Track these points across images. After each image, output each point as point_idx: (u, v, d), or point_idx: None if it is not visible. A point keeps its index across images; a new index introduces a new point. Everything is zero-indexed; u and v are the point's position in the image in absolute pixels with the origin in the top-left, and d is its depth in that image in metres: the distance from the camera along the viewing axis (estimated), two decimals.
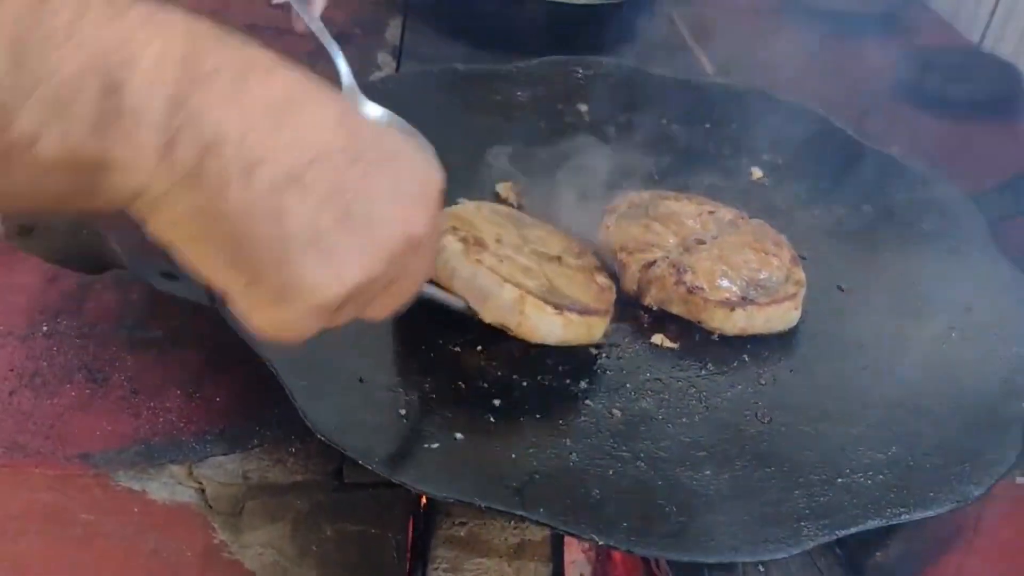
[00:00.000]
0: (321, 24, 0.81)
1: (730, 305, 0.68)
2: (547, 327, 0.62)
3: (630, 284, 0.72)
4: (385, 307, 0.45)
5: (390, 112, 0.81)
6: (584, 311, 0.63)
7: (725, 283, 0.69)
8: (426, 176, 0.43)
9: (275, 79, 0.37)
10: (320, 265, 0.38)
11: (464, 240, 0.64)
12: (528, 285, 0.63)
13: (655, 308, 0.71)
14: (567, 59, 0.93)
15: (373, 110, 0.81)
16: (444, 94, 0.90)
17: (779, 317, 0.69)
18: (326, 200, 0.38)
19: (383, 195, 0.40)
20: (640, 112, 0.91)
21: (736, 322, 0.68)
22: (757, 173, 0.86)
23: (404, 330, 0.65)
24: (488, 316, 0.62)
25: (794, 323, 0.70)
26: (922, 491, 0.54)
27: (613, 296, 0.68)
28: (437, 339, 0.65)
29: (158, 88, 0.34)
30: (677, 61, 1.09)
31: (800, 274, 0.71)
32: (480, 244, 0.65)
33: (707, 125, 0.89)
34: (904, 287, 0.73)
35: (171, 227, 0.37)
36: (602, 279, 0.69)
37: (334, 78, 0.81)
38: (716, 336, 0.69)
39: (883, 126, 0.98)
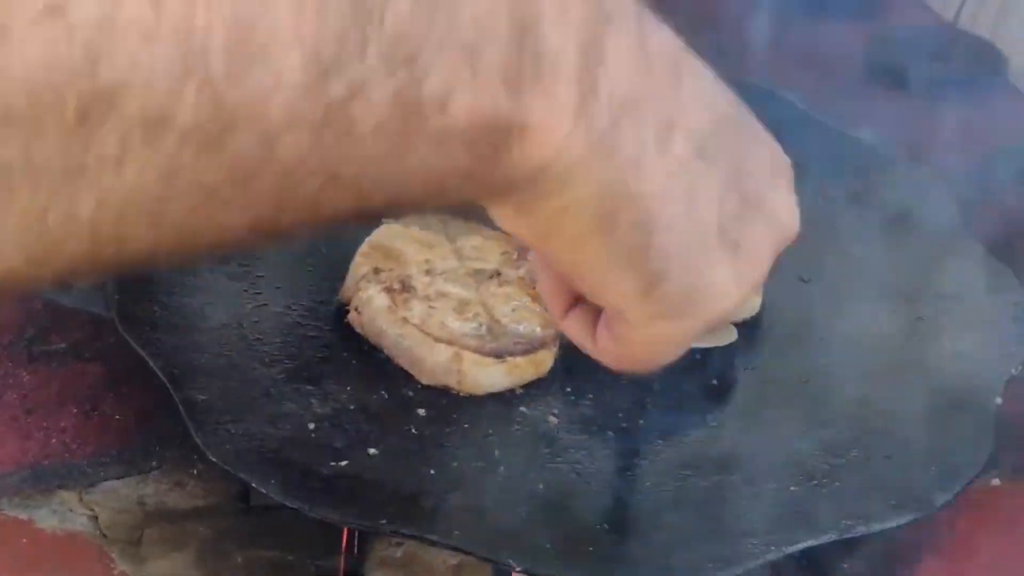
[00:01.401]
0: None
1: None
2: (490, 378, 0.57)
3: None
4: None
5: None
6: (529, 348, 0.58)
7: None
8: (784, 159, 0.36)
9: (662, 29, 0.30)
10: (727, 264, 0.32)
11: (389, 289, 0.59)
12: (463, 334, 0.58)
13: None
14: None
15: None
16: None
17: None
18: (727, 180, 0.31)
19: (765, 177, 0.34)
20: None
21: None
22: None
23: (325, 334, 0.61)
24: (425, 379, 0.57)
25: (756, 310, 0.64)
26: (883, 499, 0.49)
27: None
28: (362, 344, 0.60)
29: (570, 28, 0.26)
30: None
31: None
32: (406, 287, 0.60)
33: None
34: (871, 276, 0.68)
35: (562, 215, 0.29)
36: None
37: None
38: None
39: (855, 109, 0.93)
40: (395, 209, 0.29)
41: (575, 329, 0.36)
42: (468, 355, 0.57)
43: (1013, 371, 0.58)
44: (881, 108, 0.94)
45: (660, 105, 0.29)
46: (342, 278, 0.63)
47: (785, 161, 0.36)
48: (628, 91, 0.28)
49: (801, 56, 1.03)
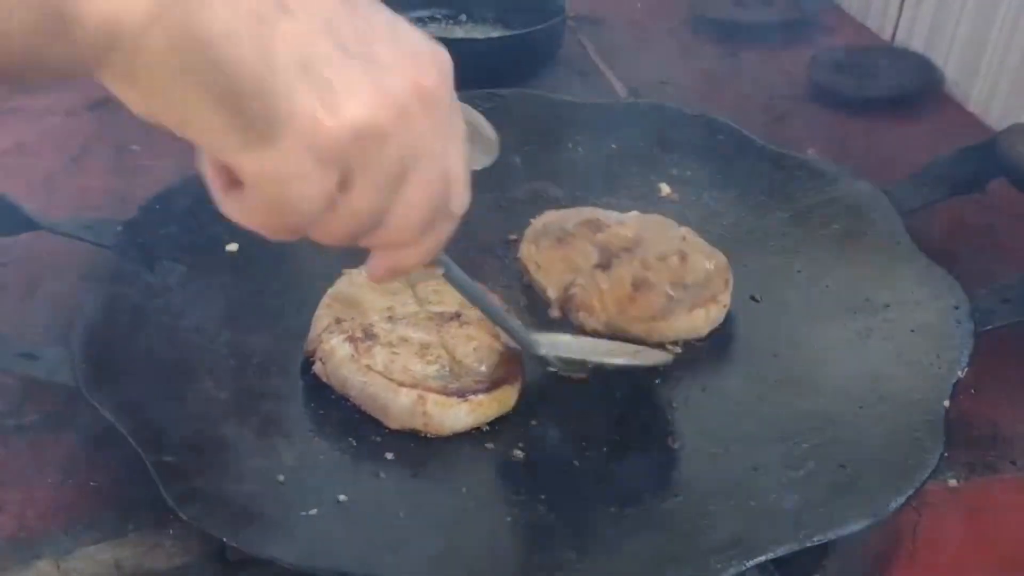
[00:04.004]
0: None
1: (662, 311, 0.66)
2: (455, 418, 0.58)
3: (554, 311, 0.69)
4: (408, 218, 0.40)
5: None
6: (491, 386, 0.60)
7: (653, 291, 0.67)
8: (431, 42, 0.39)
9: None
10: (313, 93, 0.34)
11: (352, 338, 0.61)
12: (426, 376, 0.59)
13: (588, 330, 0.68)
14: (466, 94, 0.89)
15: None
16: None
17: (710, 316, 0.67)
18: (321, 30, 0.35)
19: (388, 39, 0.37)
20: (546, 139, 0.88)
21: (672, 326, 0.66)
22: (665, 189, 0.83)
23: (291, 388, 0.62)
24: (392, 423, 0.59)
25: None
26: (839, 508, 0.51)
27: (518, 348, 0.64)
28: (329, 393, 0.61)
29: None
30: (589, 87, 1.07)
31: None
32: (368, 335, 0.61)
33: (614, 146, 0.87)
34: (820, 291, 0.71)
35: (148, 71, 0.33)
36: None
37: None
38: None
39: (799, 131, 0.96)
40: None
41: (231, 207, 0.38)
42: (432, 397, 0.58)
43: (959, 374, 0.59)
44: (824, 127, 0.97)
45: None
46: (305, 331, 0.64)
47: (431, 44, 0.39)
48: None
49: (744, 81, 1.06)
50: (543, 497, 0.54)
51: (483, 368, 0.61)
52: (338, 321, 0.62)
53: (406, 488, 0.55)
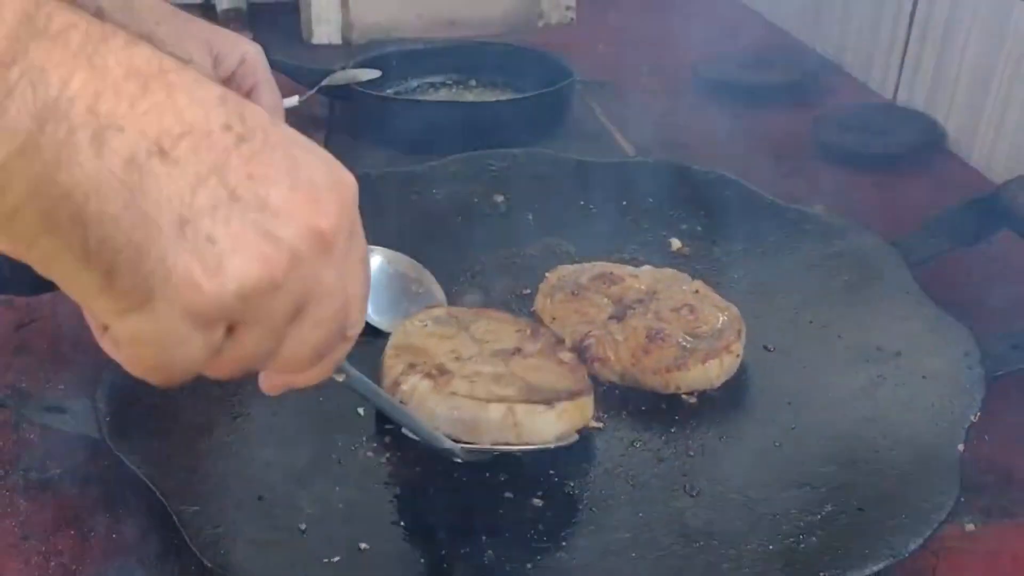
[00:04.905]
0: None
1: (676, 362, 0.66)
2: (543, 426, 0.59)
3: None
4: (300, 352, 0.36)
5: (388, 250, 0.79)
6: (571, 395, 0.61)
7: (667, 342, 0.68)
8: (334, 170, 0.36)
9: (140, 48, 0.31)
10: (191, 252, 0.31)
11: (429, 375, 0.62)
12: (509, 394, 0.60)
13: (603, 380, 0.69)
14: (479, 154, 0.93)
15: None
16: (360, 200, 0.89)
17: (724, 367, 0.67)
18: (206, 176, 0.31)
19: (280, 179, 0.33)
20: (557, 197, 0.90)
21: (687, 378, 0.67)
22: (676, 244, 0.85)
23: (310, 437, 0.63)
24: (487, 440, 0.59)
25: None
26: (857, 549, 0.51)
27: (584, 368, 0.66)
28: (349, 445, 0.62)
29: None
30: (598, 147, 1.09)
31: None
32: (444, 371, 0.62)
33: (624, 202, 0.89)
34: (832, 340, 0.71)
35: (9, 220, 0.29)
36: (565, 355, 0.66)
37: None
38: (643, 407, 0.66)
39: (805, 187, 0.97)
40: None
41: (109, 350, 0.35)
42: (520, 407, 0.59)
43: (972, 418, 0.60)
44: (830, 184, 0.99)
45: (103, 110, 0.30)
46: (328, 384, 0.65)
47: (332, 169, 0.36)
48: (57, 96, 0.29)
49: (749, 140, 1.09)
50: (564, 545, 0.55)
51: (558, 386, 0.62)
52: (411, 365, 0.63)
53: (425, 536, 0.55)
